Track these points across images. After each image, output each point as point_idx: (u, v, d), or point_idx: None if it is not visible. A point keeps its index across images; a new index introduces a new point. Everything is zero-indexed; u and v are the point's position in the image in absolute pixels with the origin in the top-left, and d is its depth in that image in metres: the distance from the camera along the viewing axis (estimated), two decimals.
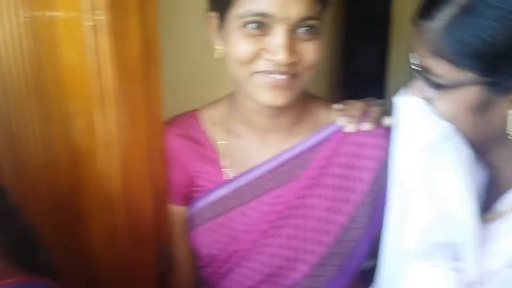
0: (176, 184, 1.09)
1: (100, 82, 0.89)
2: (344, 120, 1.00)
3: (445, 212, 0.84)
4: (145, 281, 1.07)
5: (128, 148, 0.95)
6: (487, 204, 0.89)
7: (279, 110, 0.99)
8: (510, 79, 0.75)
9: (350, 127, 1.00)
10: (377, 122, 0.99)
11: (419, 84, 0.85)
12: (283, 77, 0.91)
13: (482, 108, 0.79)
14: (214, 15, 0.96)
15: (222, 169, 1.06)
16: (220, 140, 1.07)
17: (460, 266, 0.84)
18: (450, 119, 0.82)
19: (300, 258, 1.02)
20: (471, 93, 0.78)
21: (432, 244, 0.86)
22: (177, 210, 1.10)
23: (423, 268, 0.86)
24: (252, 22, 0.88)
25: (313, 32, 0.91)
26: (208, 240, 1.06)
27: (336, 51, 2.90)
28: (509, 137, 0.79)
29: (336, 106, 1.05)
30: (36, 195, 0.92)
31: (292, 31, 0.89)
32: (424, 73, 0.82)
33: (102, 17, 0.86)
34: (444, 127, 0.82)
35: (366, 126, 0.98)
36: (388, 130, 0.97)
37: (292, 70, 0.91)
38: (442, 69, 0.79)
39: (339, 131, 1.01)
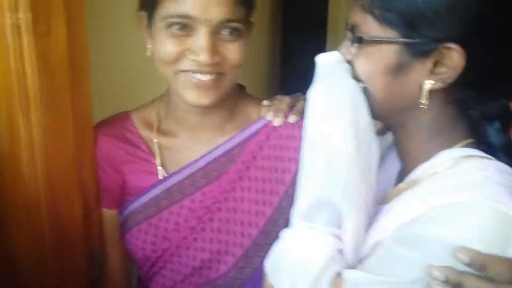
0: (108, 186, 1.06)
1: (23, 84, 0.85)
2: (271, 114, 1.03)
3: (331, 171, 0.82)
4: None
5: (54, 153, 0.91)
6: None
7: (208, 109, 1.00)
8: (427, 43, 0.77)
9: (277, 121, 1.02)
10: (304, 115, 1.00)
11: (346, 43, 0.86)
12: (207, 77, 0.93)
13: (398, 70, 0.80)
14: (143, 14, 0.98)
15: (157, 169, 1.05)
16: (153, 140, 1.06)
17: (340, 234, 0.81)
18: (366, 78, 0.82)
19: (228, 251, 1.03)
20: (390, 53, 0.79)
21: (315, 205, 0.83)
22: (110, 213, 1.08)
23: (302, 230, 0.83)
24: (176, 23, 0.91)
25: (236, 34, 0.94)
26: (140, 242, 1.04)
27: (275, 53, 2.93)
28: (421, 106, 0.80)
29: (265, 102, 1.08)
30: None
31: (215, 32, 0.91)
32: (351, 30, 0.83)
33: (23, 15, 0.82)
34: (352, 87, 0.82)
35: (292, 118, 1.02)
36: None
37: (216, 70, 0.93)
38: (367, 26, 0.80)
39: (268, 125, 1.03)
